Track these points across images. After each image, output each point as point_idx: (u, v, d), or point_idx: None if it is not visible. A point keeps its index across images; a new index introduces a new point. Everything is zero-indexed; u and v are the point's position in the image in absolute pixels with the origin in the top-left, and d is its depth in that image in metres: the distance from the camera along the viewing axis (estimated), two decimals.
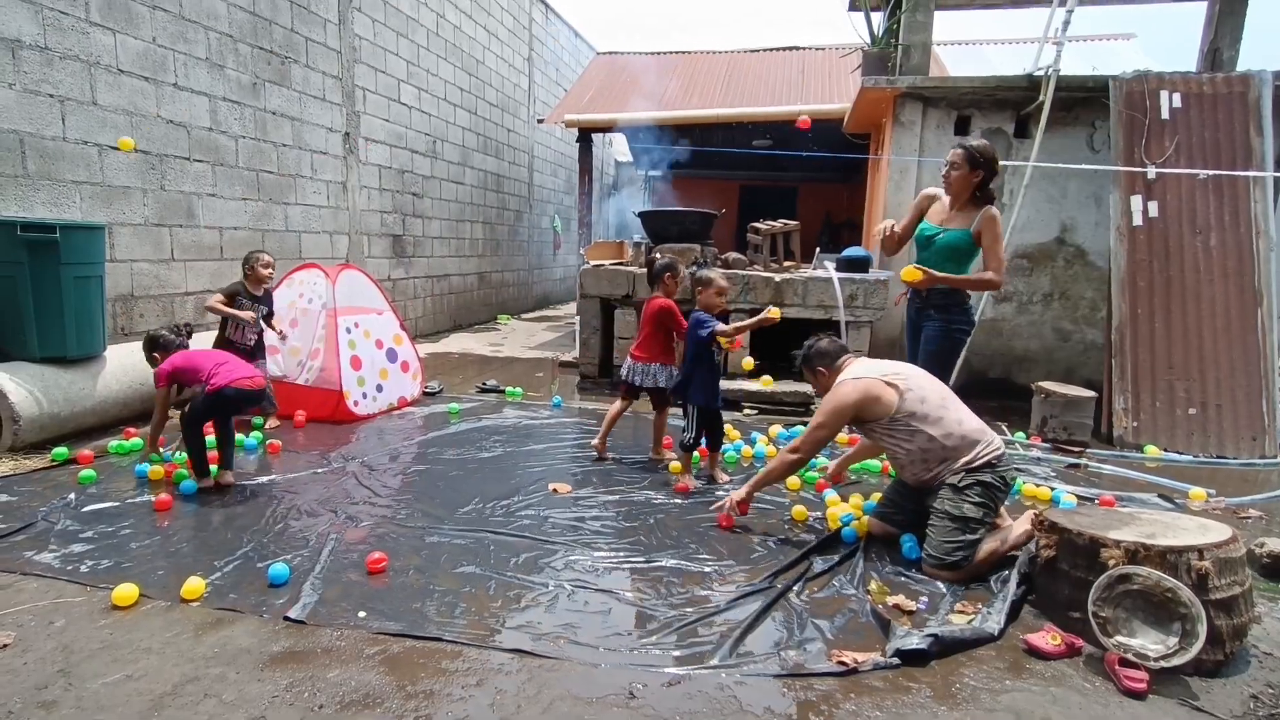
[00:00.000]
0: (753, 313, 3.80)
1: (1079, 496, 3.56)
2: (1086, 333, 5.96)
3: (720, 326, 3.59)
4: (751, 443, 4.36)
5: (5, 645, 2.05)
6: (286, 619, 2.25)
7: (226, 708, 1.82)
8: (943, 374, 3.39)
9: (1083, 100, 5.60)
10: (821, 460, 4.04)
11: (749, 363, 4.32)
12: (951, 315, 3.51)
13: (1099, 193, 5.63)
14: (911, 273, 3.40)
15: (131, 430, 4.19)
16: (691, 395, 3.67)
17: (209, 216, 5.58)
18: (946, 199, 3.55)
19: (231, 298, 4.32)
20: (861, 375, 2.87)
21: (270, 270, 4.42)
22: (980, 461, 2.71)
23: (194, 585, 2.37)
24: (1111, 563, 2.21)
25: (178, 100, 5.24)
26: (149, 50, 4.98)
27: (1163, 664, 2.05)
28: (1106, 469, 4.21)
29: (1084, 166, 5.40)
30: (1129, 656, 2.08)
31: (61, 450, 3.71)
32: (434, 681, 1.97)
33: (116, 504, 3.14)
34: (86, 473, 3.45)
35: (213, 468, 3.43)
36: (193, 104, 5.37)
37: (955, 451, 2.74)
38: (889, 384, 2.81)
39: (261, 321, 4.42)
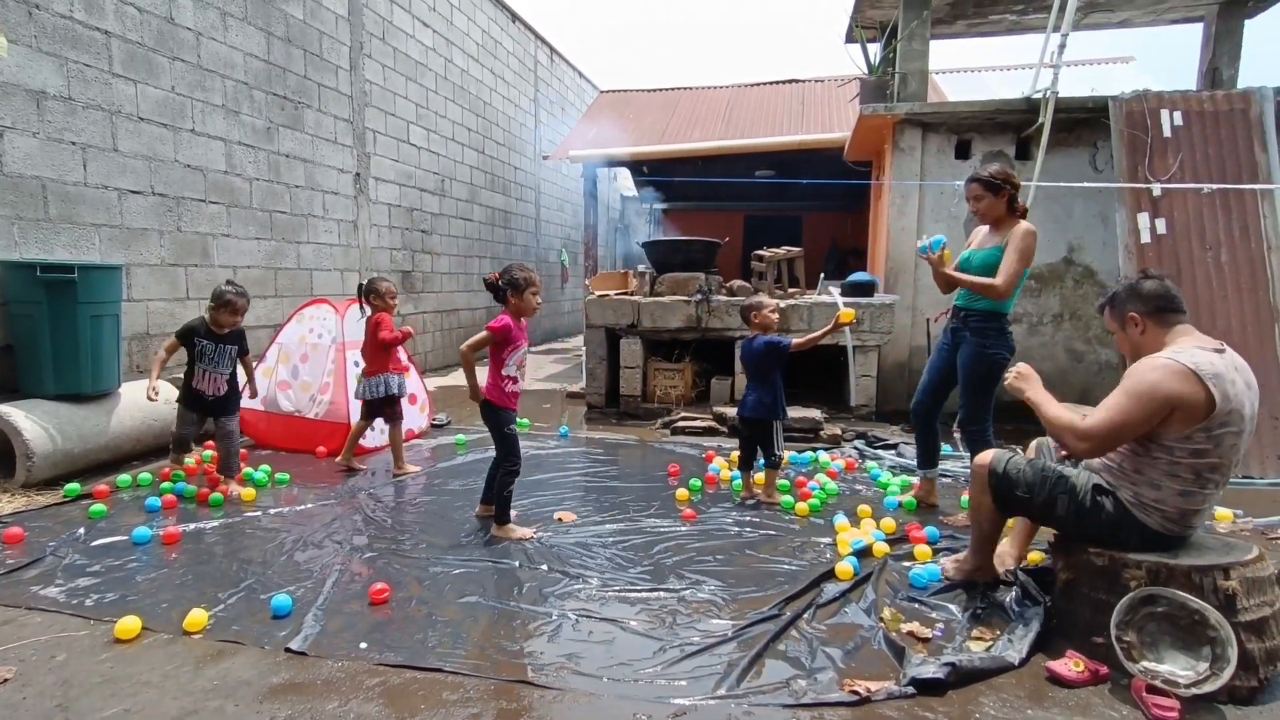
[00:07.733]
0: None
1: None
2: (1100, 353, 5.88)
3: (795, 340, 3.77)
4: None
5: (5, 680, 2.03)
6: (288, 650, 2.22)
7: None
8: (980, 399, 3.40)
9: (1084, 121, 5.62)
10: (888, 478, 4.12)
11: None
12: (988, 339, 3.34)
13: (1105, 212, 5.62)
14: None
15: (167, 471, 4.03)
16: (779, 412, 3.81)
17: (223, 256, 5.69)
18: (986, 227, 3.53)
19: (187, 337, 3.78)
20: (1186, 362, 2.15)
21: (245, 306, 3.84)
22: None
23: (196, 617, 2.35)
24: (1133, 584, 2.14)
25: (195, 145, 5.38)
26: (168, 99, 5.14)
27: (1194, 690, 1.97)
28: None
29: (1088, 185, 5.39)
30: (1157, 683, 2.00)
31: (74, 486, 3.73)
32: (432, 713, 1.92)
33: (124, 538, 3.14)
34: (96, 507, 3.46)
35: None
36: (209, 148, 5.52)
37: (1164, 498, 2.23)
38: (1205, 384, 2.11)
39: (237, 362, 3.93)
